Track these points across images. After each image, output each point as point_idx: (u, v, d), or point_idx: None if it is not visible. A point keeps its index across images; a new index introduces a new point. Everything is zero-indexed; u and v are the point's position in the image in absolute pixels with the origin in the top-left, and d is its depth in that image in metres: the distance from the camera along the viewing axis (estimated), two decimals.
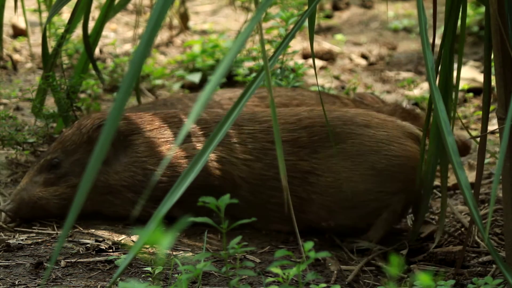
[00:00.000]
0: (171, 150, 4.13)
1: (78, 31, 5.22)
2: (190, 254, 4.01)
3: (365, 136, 4.12)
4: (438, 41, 3.77)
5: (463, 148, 4.94)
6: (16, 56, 6.59)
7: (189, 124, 2.64)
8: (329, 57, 6.96)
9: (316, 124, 4.15)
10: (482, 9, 7.09)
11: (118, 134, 4.17)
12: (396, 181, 4.12)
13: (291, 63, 5.32)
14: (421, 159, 4.01)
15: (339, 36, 7.42)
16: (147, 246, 3.94)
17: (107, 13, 4.79)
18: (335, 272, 3.91)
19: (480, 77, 6.26)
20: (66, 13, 6.14)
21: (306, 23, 3.55)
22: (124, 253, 3.97)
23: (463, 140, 4.91)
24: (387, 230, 4.17)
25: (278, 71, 5.22)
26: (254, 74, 5.35)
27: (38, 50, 6.56)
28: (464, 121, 5.87)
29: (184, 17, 7.48)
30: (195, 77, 6.26)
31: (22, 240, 4.10)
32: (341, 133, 4.12)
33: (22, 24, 6.90)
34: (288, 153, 4.11)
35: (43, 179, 4.25)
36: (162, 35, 7.28)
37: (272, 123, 3.95)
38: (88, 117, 4.30)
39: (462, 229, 4.43)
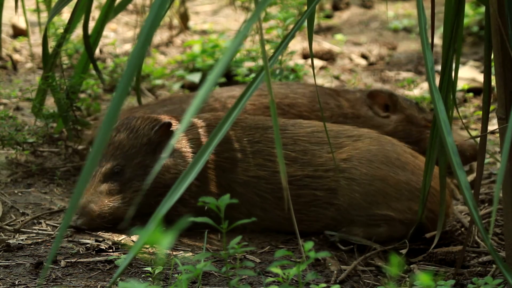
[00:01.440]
0: None
1: (78, 31, 5.22)
2: (190, 254, 4.01)
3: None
4: (437, 41, 3.77)
5: (474, 153, 4.88)
6: (16, 56, 6.59)
7: (187, 119, 2.64)
8: (329, 57, 6.95)
9: None
10: (482, 9, 7.09)
11: None
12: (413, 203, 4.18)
13: (291, 63, 5.32)
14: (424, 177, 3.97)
15: (339, 36, 7.42)
16: (147, 246, 3.94)
17: (108, 14, 4.78)
18: (335, 272, 3.90)
19: (480, 77, 6.26)
20: (66, 13, 6.13)
21: (306, 23, 3.55)
22: (124, 253, 3.97)
23: (473, 146, 4.85)
24: (370, 237, 4.20)
25: (277, 71, 5.22)
26: (253, 75, 5.36)
27: (38, 50, 6.56)
28: (464, 121, 5.87)
29: (184, 17, 7.47)
30: (195, 77, 6.26)
31: (22, 240, 4.10)
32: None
33: (22, 24, 6.90)
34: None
35: (108, 187, 4.18)
36: (162, 35, 7.28)
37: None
38: (134, 119, 4.23)
39: (462, 229, 4.43)
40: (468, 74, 6.42)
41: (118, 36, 7.35)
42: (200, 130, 4.28)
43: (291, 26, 5.13)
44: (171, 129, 4.20)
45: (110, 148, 4.19)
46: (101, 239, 4.11)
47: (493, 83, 3.81)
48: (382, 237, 4.18)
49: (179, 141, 4.24)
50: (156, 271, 3.64)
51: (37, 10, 5.94)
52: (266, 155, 4.23)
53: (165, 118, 4.25)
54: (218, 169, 4.21)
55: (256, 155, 4.24)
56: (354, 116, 4.85)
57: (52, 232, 4.22)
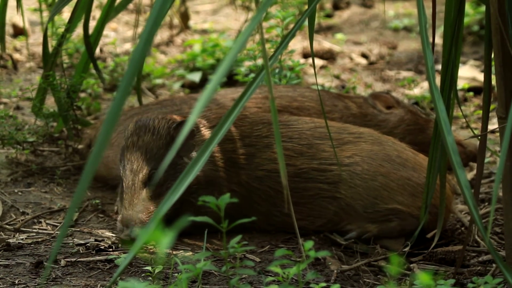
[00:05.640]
0: None
1: (78, 31, 5.22)
2: (190, 253, 4.01)
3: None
4: (438, 41, 3.77)
5: (473, 156, 4.92)
6: (17, 56, 6.59)
7: (191, 122, 2.65)
8: (330, 56, 6.96)
9: None
10: (483, 8, 7.09)
11: None
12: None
13: (289, 62, 5.33)
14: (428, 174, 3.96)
15: (339, 35, 7.42)
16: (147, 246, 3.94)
17: (108, 13, 4.78)
18: (335, 271, 3.90)
19: (480, 76, 6.26)
20: (66, 12, 6.14)
21: (306, 22, 3.55)
22: (124, 252, 3.97)
23: (473, 151, 4.89)
24: (384, 233, 4.20)
25: (277, 70, 5.22)
26: (252, 74, 5.35)
27: (38, 50, 6.56)
28: (464, 120, 5.87)
29: (185, 16, 7.48)
30: (196, 76, 6.26)
31: (22, 239, 4.10)
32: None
33: (22, 23, 6.90)
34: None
35: (149, 193, 4.12)
36: (163, 34, 7.29)
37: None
38: (150, 120, 4.18)
39: (462, 228, 4.43)
40: (468, 73, 6.43)
41: (118, 36, 7.35)
42: (209, 126, 4.29)
43: (291, 26, 5.13)
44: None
45: (138, 153, 4.14)
46: (100, 238, 4.11)
47: (493, 82, 3.81)
48: (395, 232, 4.20)
49: (195, 138, 4.24)
50: (156, 271, 3.64)
51: (40, 10, 5.95)
52: (276, 149, 4.23)
53: (179, 118, 4.23)
54: (236, 167, 4.21)
55: (267, 149, 4.25)
56: (362, 115, 4.90)
57: (52, 232, 4.22)
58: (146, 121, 4.19)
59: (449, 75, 3.63)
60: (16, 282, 3.69)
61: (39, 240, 4.11)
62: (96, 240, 4.06)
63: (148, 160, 4.13)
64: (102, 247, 4.00)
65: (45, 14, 6.07)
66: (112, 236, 4.17)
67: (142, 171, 4.12)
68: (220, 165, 4.22)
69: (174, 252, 3.99)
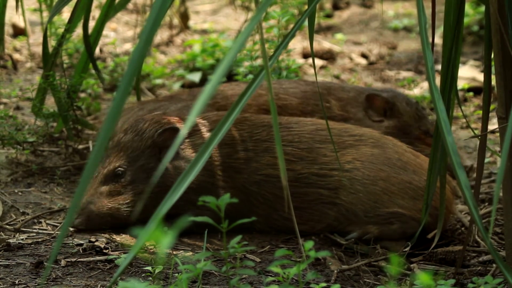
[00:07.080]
0: None
1: (78, 31, 5.22)
2: (191, 253, 4.01)
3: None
4: (438, 41, 3.77)
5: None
6: (16, 56, 6.59)
7: (191, 121, 2.64)
8: (329, 56, 6.96)
9: None
10: (482, 8, 7.09)
11: None
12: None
13: (290, 63, 5.33)
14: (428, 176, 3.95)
15: (339, 36, 7.42)
16: (148, 246, 3.94)
17: (108, 13, 4.78)
18: (335, 271, 3.90)
19: (480, 77, 6.26)
20: (66, 12, 6.14)
21: (306, 23, 3.55)
22: (124, 253, 3.97)
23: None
24: (385, 236, 4.21)
25: (277, 70, 5.22)
26: (250, 75, 5.35)
27: (38, 50, 6.56)
28: (464, 120, 5.87)
29: (184, 17, 7.48)
30: (195, 77, 6.27)
31: (22, 239, 4.10)
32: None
33: (22, 24, 6.90)
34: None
35: (109, 189, 4.17)
36: (163, 35, 7.29)
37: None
38: (143, 121, 4.21)
39: (462, 228, 4.43)
40: (468, 73, 6.43)
41: (118, 36, 7.35)
42: (205, 131, 4.26)
43: (291, 26, 5.14)
44: (178, 133, 4.16)
45: (115, 149, 4.17)
46: (101, 238, 4.11)
47: (493, 82, 3.82)
48: (396, 234, 4.19)
49: (184, 143, 4.22)
50: (156, 271, 3.64)
51: (40, 10, 5.95)
52: (276, 153, 4.21)
53: (175, 122, 4.22)
54: (231, 171, 4.20)
55: (266, 153, 4.23)
56: (343, 119, 4.76)
57: (52, 232, 4.22)
58: (139, 121, 4.21)
59: (449, 75, 3.62)
60: (17, 282, 3.70)
61: (39, 240, 4.11)
62: (96, 240, 4.06)
63: (120, 158, 4.16)
64: (103, 247, 3.99)
65: (45, 14, 6.07)
66: (108, 236, 4.17)
67: (109, 166, 4.15)
68: (215, 172, 4.20)
69: (174, 252, 3.99)
